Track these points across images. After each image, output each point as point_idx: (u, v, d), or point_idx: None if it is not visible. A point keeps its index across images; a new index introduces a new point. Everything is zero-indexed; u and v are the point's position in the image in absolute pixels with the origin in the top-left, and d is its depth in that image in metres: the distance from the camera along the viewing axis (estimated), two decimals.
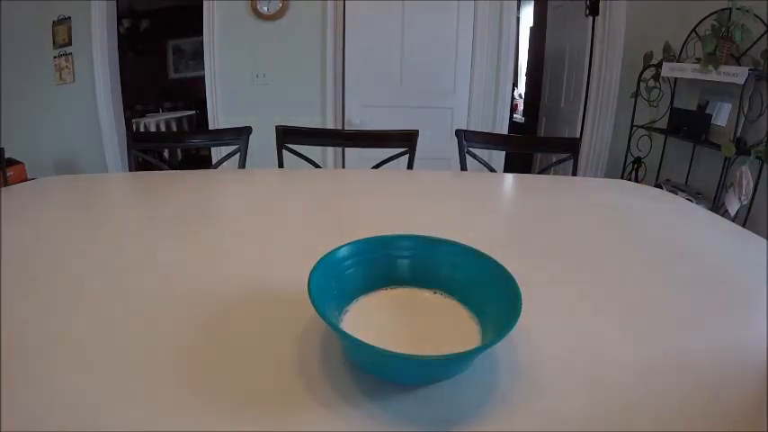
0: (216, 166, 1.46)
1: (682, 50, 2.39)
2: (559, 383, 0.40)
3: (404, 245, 0.45)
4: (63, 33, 2.74)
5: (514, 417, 0.36)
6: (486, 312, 0.45)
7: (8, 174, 1.93)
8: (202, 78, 2.72)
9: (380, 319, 0.44)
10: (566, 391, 0.39)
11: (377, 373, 0.40)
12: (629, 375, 0.41)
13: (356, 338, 0.36)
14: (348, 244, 0.48)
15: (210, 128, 2.68)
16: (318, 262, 0.44)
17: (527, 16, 5.04)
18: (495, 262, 0.46)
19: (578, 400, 0.38)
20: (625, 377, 0.41)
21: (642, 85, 2.56)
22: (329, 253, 0.46)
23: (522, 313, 0.39)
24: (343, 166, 2.77)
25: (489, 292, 0.45)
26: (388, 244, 0.49)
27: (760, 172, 1.99)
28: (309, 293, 0.39)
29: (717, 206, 2.18)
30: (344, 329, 0.38)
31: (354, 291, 0.47)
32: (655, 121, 2.59)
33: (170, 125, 4.62)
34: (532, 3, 4.75)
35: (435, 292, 0.48)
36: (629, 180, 2.58)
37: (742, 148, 2.03)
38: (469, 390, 0.39)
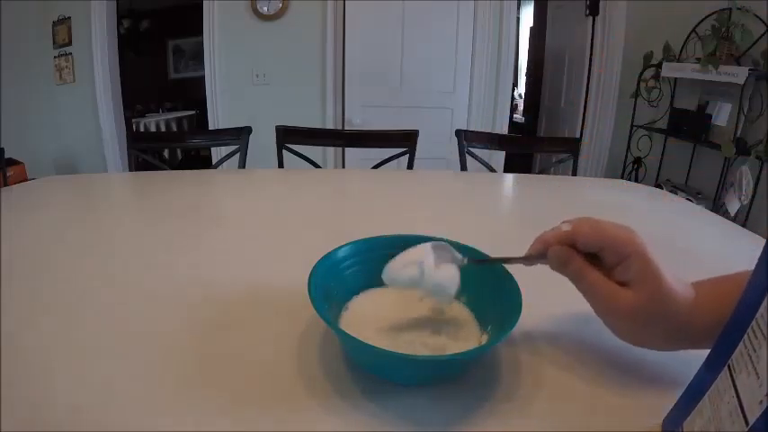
0: (216, 166, 1.46)
1: (682, 50, 2.39)
2: (561, 383, 0.40)
3: (404, 244, 0.45)
4: (63, 33, 2.74)
5: (515, 417, 0.36)
6: (486, 312, 0.45)
7: (8, 174, 1.93)
8: (202, 78, 2.72)
9: (381, 319, 0.44)
10: (567, 390, 0.39)
11: (377, 373, 0.40)
12: (630, 375, 0.41)
13: (356, 339, 0.36)
14: (348, 244, 0.48)
15: (210, 128, 2.68)
16: (319, 261, 0.44)
17: (527, 16, 5.04)
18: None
19: (580, 400, 0.38)
20: (626, 376, 0.41)
21: (642, 85, 2.56)
22: (330, 253, 0.46)
23: (522, 313, 0.39)
24: (343, 166, 2.78)
25: (490, 292, 0.45)
26: (388, 244, 0.49)
27: (760, 172, 1.99)
28: (309, 293, 0.39)
29: (717, 206, 2.18)
30: (344, 329, 0.38)
31: (354, 290, 0.47)
32: (655, 121, 2.59)
33: (170, 125, 4.62)
34: (532, 3, 4.75)
35: None
36: (629, 180, 2.58)
37: (742, 148, 2.03)
38: (470, 389, 0.39)
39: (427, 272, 0.40)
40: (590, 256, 0.39)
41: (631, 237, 0.38)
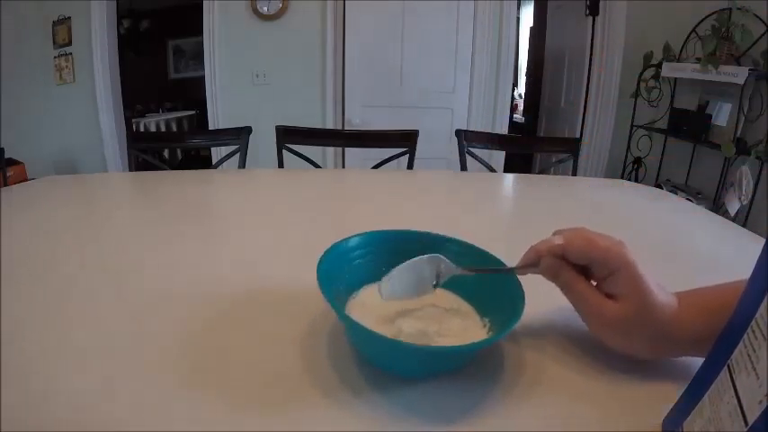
0: (216, 166, 1.46)
1: (682, 50, 2.39)
2: (561, 382, 0.40)
3: (411, 239, 0.45)
4: (63, 33, 2.74)
5: (517, 412, 0.36)
6: (489, 309, 0.45)
7: (8, 174, 1.93)
8: (202, 78, 2.72)
9: (385, 311, 0.44)
10: (567, 389, 0.39)
11: (381, 364, 0.40)
12: (629, 375, 0.41)
13: (361, 325, 0.36)
14: (358, 235, 0.49)
15: (210, 128, 2.68)
16: (328, 249, 0.45)
17: (527, 16, 5.04)
18: (498, 260, 0.46)
19: (579, 400, 0.38)
20: (625, 376, 0.41)
21: (642, 85, 2.56)
22: (340, 241, 0.47)
23: (525, 310, 0.39)
24: (343, 166, 2.78)
25: (493, 287, 0.45)
26: (395, 238, 0.49)
27: (760, 172, 1.99)
28: (318, 280, 0.40)
29: (717, 206, 2.18)
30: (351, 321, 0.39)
31: (360, 282, 0.48)
32: (655, 121, 2.59)
33: (170, 125, 4.62)
34: (532, 3, 4.76)
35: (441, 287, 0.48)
36: (629, 180, 2.58)
37: (742, 148, 2.04)
38: (473, 385, 0.39)
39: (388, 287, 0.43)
40: (581, 267, 0.41)
41: (621, 251, 0.39)
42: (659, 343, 0.39)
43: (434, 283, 0.44)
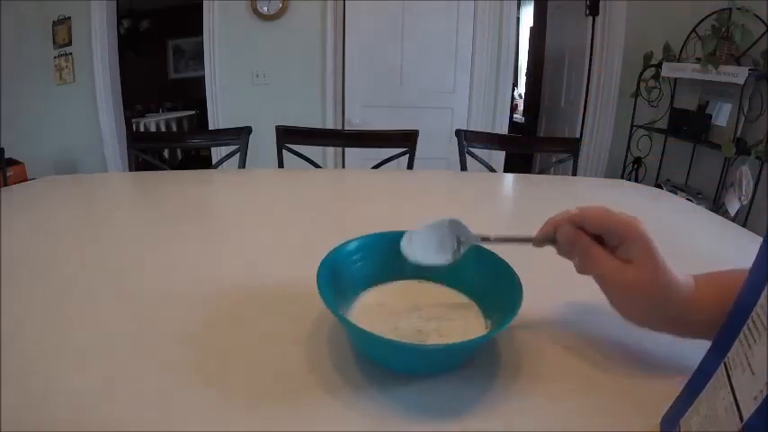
0: (216, 166, 1.46)
1: (682, 50, 2.39)
2: (559, 381, 0.40)
3: None
4: (63, 33, 2.74)
5: (513, 414, 0.36)
6: (488, 306, 0.45)
7: (8, 174, 1.93)
8: (202, 78, 2.72)
9: (386, 311, 0.45)
10: (565, 389, 0.39)
11: (385, 365, 0.40)
12: (628, 374, 0.41)
13: (360, 328, 0.37)
14: (357, 238, 0.49)
15: (210, 128, 2.68)
16: (328, 254, 0.45)
17: (527, 16, 5.04)
18: (498, 257, 0.47)
19: (578, 399, 0.38)
20: (623, 376, 0.41)
21: (642, 85, 2.56)
22: (339, 246, 0.47)
23: (522, 307, 0.39)
24: (343, 166, 2.78)
25: (492, 287, 0.45)
26: (395, 239, 0.49)
27: (760, 172, 1.99)
28: (318, 285, 0.40)
29: (717, 206, 2.18)
30: (351, 320, 0.39)
31: (361, 284, 0.48)
32: (655, 121, 2.59)
33: (170, 125, 4.62)
34: (532, 3, 4.75)
35: (441, 285, 0.49)
36: (629, 180, 2.58)
37: (742, 148, 2.03)
38: (473, 382, 0.39)
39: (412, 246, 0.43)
40: (596, 238, 0.42)
41: (635, 222, 0.40)
42: (675, 315, 0.40)
43: (455, 248, 0.44)
